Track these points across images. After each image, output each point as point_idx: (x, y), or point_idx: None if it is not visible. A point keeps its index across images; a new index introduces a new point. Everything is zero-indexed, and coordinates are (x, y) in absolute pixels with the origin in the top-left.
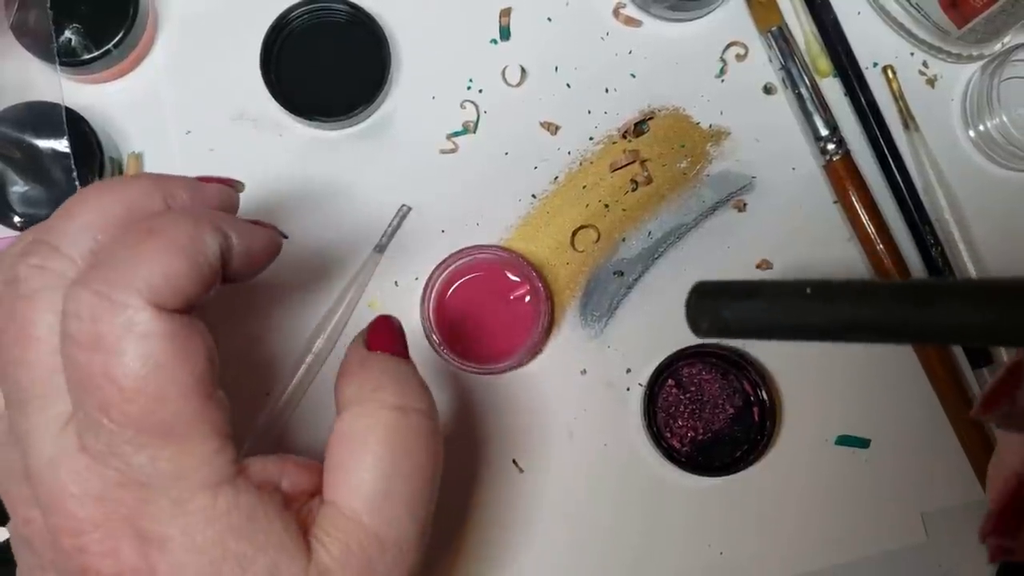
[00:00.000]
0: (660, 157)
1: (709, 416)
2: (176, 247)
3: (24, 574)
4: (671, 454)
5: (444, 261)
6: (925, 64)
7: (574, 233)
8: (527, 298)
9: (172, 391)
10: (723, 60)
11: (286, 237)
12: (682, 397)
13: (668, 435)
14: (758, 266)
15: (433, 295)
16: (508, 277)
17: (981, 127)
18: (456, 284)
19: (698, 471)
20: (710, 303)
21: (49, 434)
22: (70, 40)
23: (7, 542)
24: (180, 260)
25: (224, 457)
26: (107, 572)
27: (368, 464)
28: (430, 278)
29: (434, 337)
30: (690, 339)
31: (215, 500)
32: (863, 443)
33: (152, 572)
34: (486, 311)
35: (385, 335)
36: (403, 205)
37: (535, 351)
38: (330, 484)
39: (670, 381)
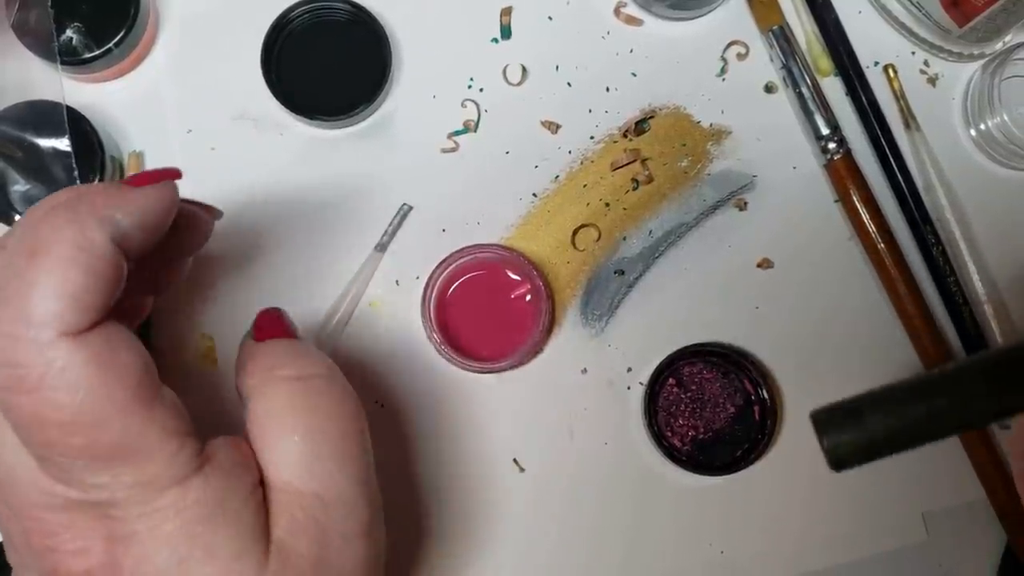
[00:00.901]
0: (661, 156)
1: (710, 415)
2: (64, 261)
3: (17, 573)
4: (672, 453)
5: (445, 260)
6: (926, 63)
7: (575, 232)
8: (528, 297)
9: (111, 412)
10: (724, 59)
11: (180, 177)
12: (683, 396)
13: (669, 434)
14: (759, 265)
15: (434, 294)
16: (509, 276)
17: (982, 126)
18: (457, 283)
19: (699, 470)
20: (847, 418)
21: (12, 443)
22: (71, 39)
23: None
24: (73, 274)
25: (186, 453)
26: (77, 570)
27: (285, 435)
28: (431, 277)
29: (435, 336)
30: (690, 338)
31: (185, 494)
32: None
33: (118, 567)
34: (487, 310)
35: (269, 325)
36: (404, 204)
37: (536, 350)
38: (261, 467)
39: (671, 380)
